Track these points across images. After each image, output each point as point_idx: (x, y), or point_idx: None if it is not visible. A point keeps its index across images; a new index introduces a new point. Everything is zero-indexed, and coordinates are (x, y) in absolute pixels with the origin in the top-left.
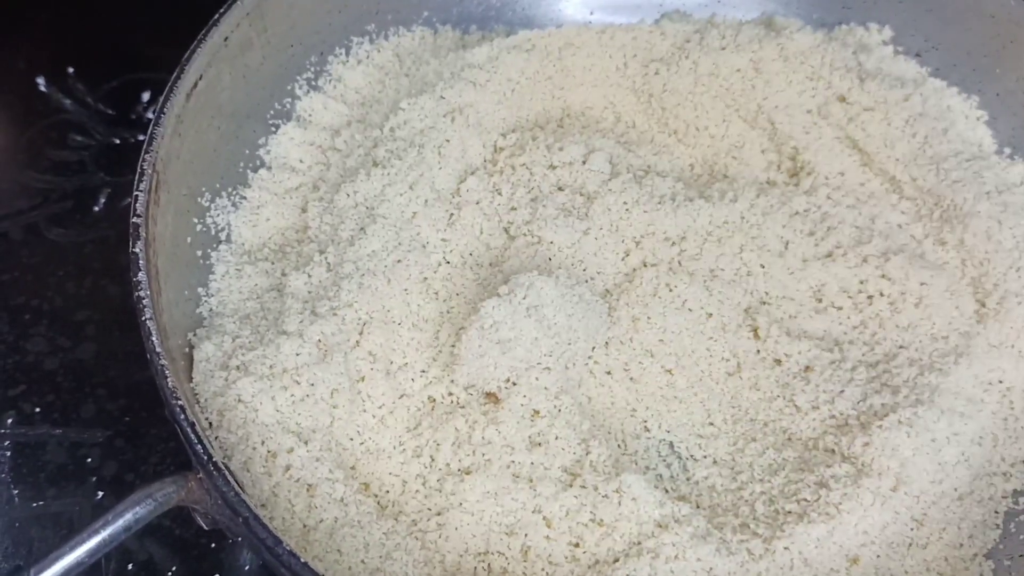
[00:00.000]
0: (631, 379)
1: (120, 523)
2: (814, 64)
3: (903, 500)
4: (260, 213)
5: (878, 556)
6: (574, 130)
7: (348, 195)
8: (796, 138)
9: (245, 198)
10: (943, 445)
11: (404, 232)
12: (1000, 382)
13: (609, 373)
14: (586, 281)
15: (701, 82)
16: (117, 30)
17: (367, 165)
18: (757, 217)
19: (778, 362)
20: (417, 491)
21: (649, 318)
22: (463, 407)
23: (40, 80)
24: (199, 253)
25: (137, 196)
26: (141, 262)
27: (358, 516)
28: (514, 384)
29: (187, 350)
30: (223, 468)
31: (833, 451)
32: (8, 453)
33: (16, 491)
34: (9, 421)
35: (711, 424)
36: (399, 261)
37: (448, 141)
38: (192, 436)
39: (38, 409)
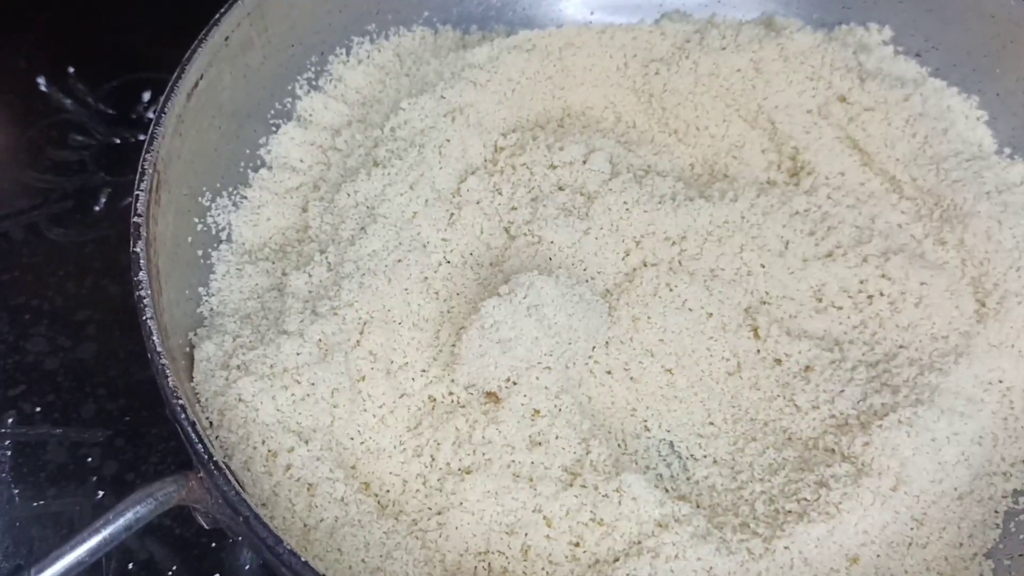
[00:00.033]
0: (631, 379)
1: (121, 522)
2: (814, 64)
3: (903, 500)
4: (261, 213)
5: (878, 556)
6: (574, 130)
7: (349, 195)
8: (796, 138)
9: (246, 198)
10: (943, 445)
11: (405, 232)
12: (1000, 382)
13: (609, 373)
14: (586, 281)
15: (701, 82)
16: (117, 30)
17: (368, 165)
18: (757, 217)
19: (778, 362)
20: (417, 490)
21: (649, 318)
22: (463, 406)
23: (40, 80)
24: (200, 253)
25: (138, 196)
26: (142, 261)
27: (358, 515)
28: (514, 383)
29: (188, 349)
30: (224, 467)
31: (833, 451)
32: (9, 453)
33: (17, 490)
34: (10, 421)
35: (711, 424)
36: (400, 261)
37: (448, 141)
38: (193, 435)
39: (38, 409)
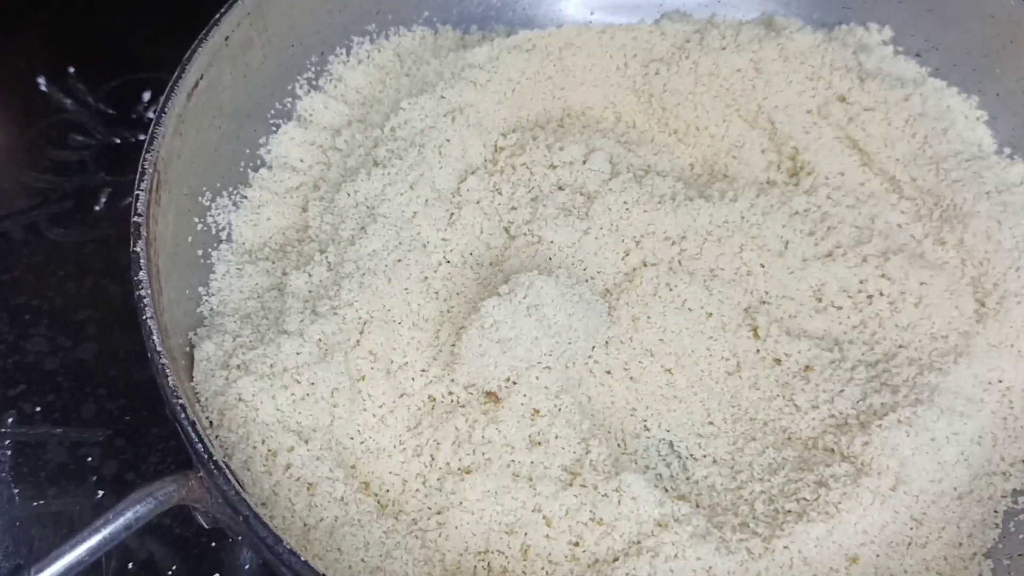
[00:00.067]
0: (631, 378)
1: (120, 522)
2: (814, 64)
3: (902, 499)
4: (261, 212)
5: (877, 555)
6: (574, 130)
7: (349, 194)
8: (796, 138)
9: (246, 197)
10: (942, 444)
11: (404, 231)
12: (1000, 382)
13: (609, 372)
14: (586, 280)
15: (701, 82)
16: (117, 30)
17: (368, 165)
18: (757, 217)
19: (778, 361)
20: (417, 490)
21: (649, 317)
22: (463, 406)
23: (40, 80)
24: (200, 252)
25: (138, 195)
26: (142, 261)
27: (358, 515)
28: (514, 383)
29: (188, 349)
30: (223, 467)
31: (833, 450)
32: (9, 452)
33: (17, 490)
34: (10, 421)
35: (711, 423)
36: (399, 260)
37: (448, 141)
38: (192, 435)
39: (38, 409)
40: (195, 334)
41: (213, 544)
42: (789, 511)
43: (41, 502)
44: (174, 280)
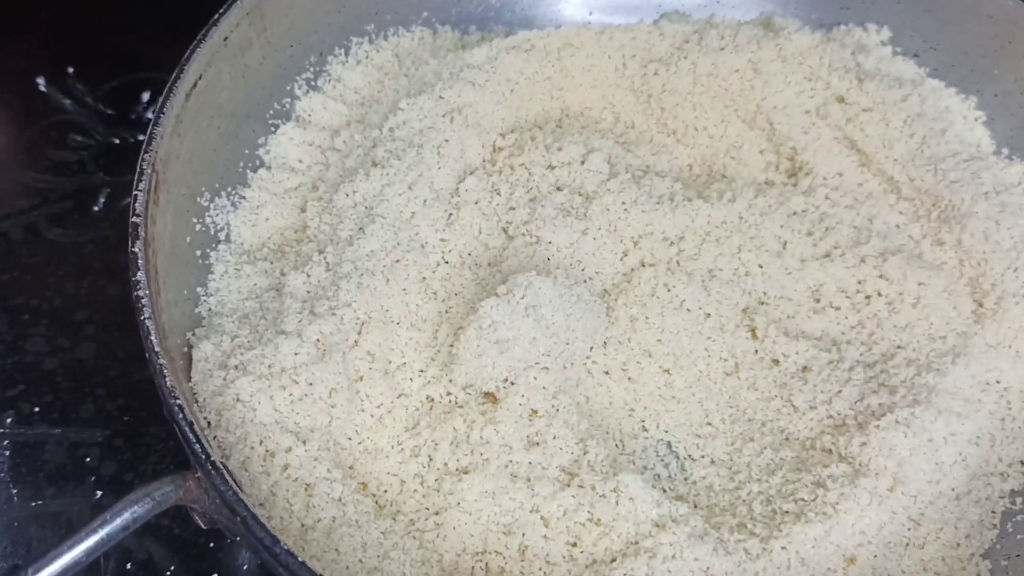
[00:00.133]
0: (629, 379)
1: (118, 522)
2: (812, 64)
3: (900, 500)
4: (259, 213)
5: (875, 556)
6: (573, 130)
7: (347, 195)
8: (794, 138)
9: (244, 198)
10: (940, 445)
11: (403, 232)
12: (997, 382)
13: (607, 373)
14: (584, 281)
15: (700, 82)
16: (117, 30)
17: (366, 165)
18: (755, 217)
19: (776, 362)
20: (415, 491)
21: (647, 318)
22: (461, 407)
23: (40, 80)
24: (198, 253)
25: (136, 196)
26: (140, 262)
27: (356, 515)
28: (512, 384)
29: (186, 350)
30: (221, 467)
31: (830, 451)
32: (7, 453)
33: (15, 490)
34: (8, 421)
35: (709, 424)
36: (398, 261)
37: (447, 141)
38: (190, 435)
39: (37, 409)
40: (193, 334)
41: (211, 545)
42: (787, 512)
43: (39, 502)
44: (172, 280)
